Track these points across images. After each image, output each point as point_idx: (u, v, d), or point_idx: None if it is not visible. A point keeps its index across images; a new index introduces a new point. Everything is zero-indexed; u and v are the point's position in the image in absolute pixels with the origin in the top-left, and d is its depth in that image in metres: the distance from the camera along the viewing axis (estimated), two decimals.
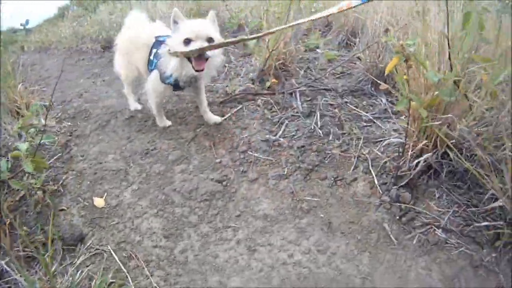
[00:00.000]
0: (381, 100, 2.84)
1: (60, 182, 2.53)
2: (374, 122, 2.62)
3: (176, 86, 2.55)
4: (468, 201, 1.94)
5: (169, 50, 2.32)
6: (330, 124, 2.59)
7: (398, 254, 1.81)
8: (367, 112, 2.71)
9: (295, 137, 2.52)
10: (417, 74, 1.99)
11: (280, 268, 1.80)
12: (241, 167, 2.38)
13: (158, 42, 2.52)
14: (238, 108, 2.86)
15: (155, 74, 2.53)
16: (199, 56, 2.25)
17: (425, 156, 2.00)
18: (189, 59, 2.31)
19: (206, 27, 2.30)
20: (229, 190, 2.25)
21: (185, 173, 2.39)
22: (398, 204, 2.01)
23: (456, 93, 1.85)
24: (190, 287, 1.78)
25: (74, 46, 5.48)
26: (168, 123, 2.82)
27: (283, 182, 2.24)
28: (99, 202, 2.33)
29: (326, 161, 2.34)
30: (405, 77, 1.86)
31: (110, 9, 5.96)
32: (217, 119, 2.74)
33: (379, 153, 2.32)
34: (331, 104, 2.81)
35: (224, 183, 2.29)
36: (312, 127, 2.56)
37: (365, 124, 2.61)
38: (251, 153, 2.45)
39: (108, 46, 5.03)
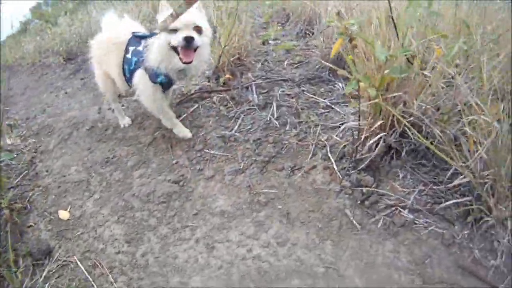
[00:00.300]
0: (339, 86, 2.80)
1: (27, 199, 2.55)
2: (332, 108, 2.57)
3: (164, 85, 2.41)
4: (434, 179, 1.88)
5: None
6: (287, 114, 2.55)
7: (362, 239, 1.75)
8: (324, 99, 2.66)
9: (251, 130, 2.49)
10: (369, 55, 1.94)
11: (239, 264, 1.78)
12: (197, 165, 2.37)
13: (135, 38, 2.40)
14: (195, 107, 2.83)
15: (140, 73, 2.36)
16: (187, 46, 2.13)
17: (379, 135, 1.95)
18: (176, 51, 2.20)
19: (193, 16, 2.19)
20: (186, 189, 2.24)
21: (143, 177, 2.40)
22: (360, 188, 1.94)
23: (409, 70, 1.82)
24: None
25: (37, 61, 5.43)
26: (188, 134, 2.58)
27: (239, 176, 2.22)
28: (64, 214, 2.37)
29: (283, 152, 2.30)
30: (350, 57, 1.83)
31: (69, 20, 5.89)
32: None
33: (338, 139, 2.24)
34: (288, 94, 2.76)
35: (181, 183, 2.28)
36: (268, 119, 2.53)
37: (323, 110, 2.56)
38: (207, 150, 2.44)
39: (70, 58, 4.97)
